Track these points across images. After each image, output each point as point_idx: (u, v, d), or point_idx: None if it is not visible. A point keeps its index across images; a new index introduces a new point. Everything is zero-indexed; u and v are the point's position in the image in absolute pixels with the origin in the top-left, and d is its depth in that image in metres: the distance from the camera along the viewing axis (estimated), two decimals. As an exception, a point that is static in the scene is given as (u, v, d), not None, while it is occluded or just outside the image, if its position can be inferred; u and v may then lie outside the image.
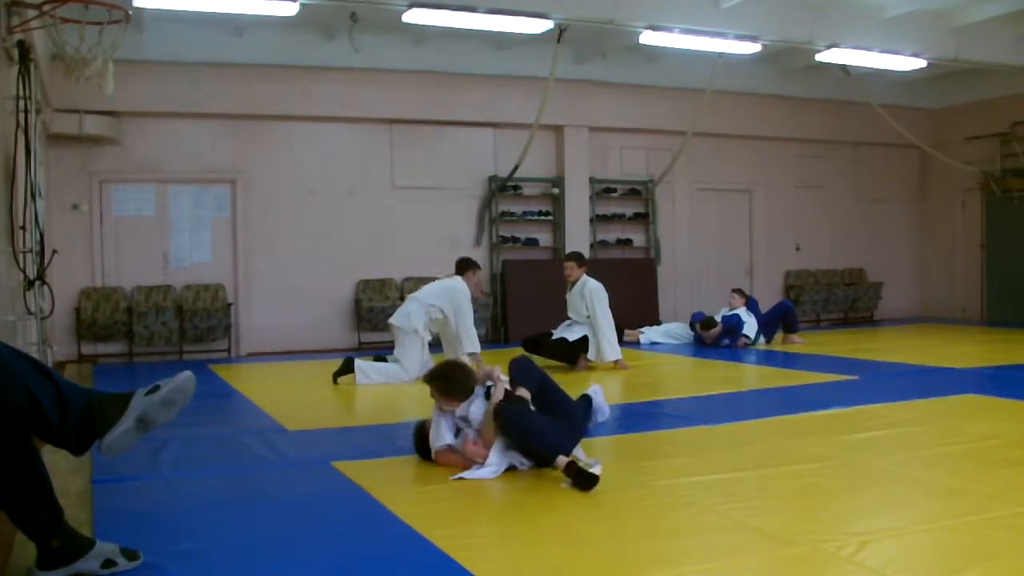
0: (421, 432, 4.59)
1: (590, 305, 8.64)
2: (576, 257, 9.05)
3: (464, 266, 8.40)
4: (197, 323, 10.34)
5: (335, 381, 7.77)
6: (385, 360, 8.07)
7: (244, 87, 10.64)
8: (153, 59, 10.09)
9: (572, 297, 8.86)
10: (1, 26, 5.85)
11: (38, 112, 7.21)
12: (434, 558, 3.11)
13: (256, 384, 8.09)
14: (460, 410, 4.42)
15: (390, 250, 11.48)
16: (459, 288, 8.15)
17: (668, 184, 12.96)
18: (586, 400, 4.95)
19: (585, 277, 8.83)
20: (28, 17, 6.14)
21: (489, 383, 4.48)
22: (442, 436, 4.42)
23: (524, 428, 4.20)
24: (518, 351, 8.78)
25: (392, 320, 8.10)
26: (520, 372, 4.50)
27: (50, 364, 6.88)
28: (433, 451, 4.43)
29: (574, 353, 8.67)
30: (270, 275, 11.01)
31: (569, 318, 8.88)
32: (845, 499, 3.82)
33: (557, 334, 8.83)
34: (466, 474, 4.21)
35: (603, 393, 5.05)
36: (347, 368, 7.82)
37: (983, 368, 8.21)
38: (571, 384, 5.42)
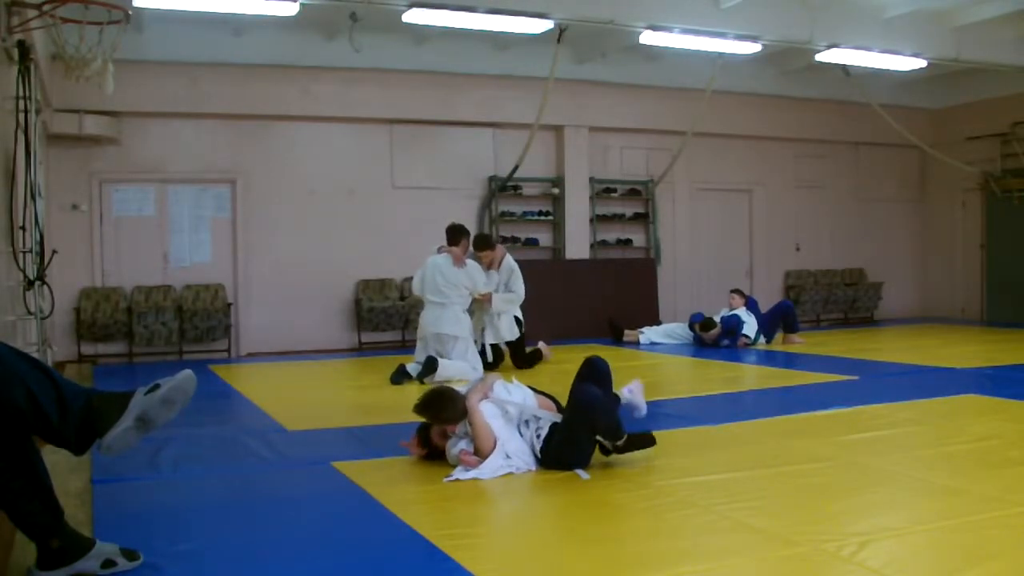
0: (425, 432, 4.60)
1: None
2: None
3: (458, 234, 8.38)
4: (197, 323, 10.34)
5: (422, 381, 7.62)
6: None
7: (244, 87, 10.64)
8: (153, 59, 10.09)
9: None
10: (1, 26, 5.85)
11: (38, 112, 7.20)
12: (434, 558, 3.10)
13: (256, 384, 8.09)
14: (459, 429, 4.43)
15: (390, 250, 11.46)
16: (469, 272, 8.20)
17: (668, 184, 12.96)
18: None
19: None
20: (28, 17, 6.13)
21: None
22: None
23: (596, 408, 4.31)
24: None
25: (446, 331, 7.97)
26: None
27: (50, 364, 6.87)
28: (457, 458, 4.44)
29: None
30: (270, 275, 11.00)
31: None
32: (845, 499, 3.81)
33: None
34: (460, 475, 4.20)
35: (641, 391, 5.05)
36: (430, 368, 7.75)
37: (983, 368, 8.21)
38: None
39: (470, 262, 8.35)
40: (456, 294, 8.10)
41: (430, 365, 7.76)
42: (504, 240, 12.03)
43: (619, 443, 4.34)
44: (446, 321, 8.01)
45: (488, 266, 8.68)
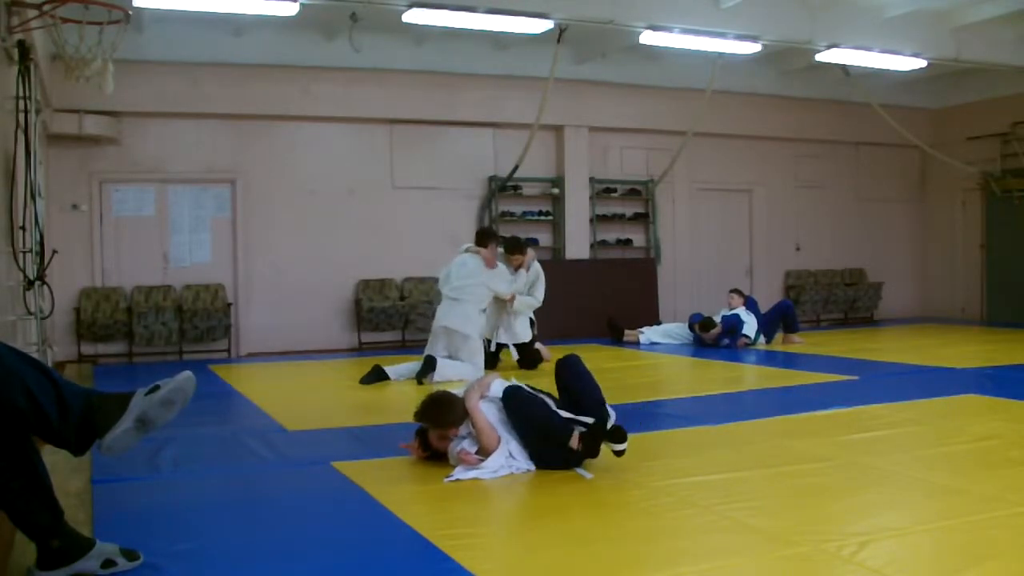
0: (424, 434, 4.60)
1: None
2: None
3: (487, 237, 8.42)
4: (197, 323, 10.34)
5: (420, 382, 7.62)
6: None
7: (244, 87, 10.64)
8: (153, 59, 10.09)
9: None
10: (1, 26, 5.85)
11: (38, 112, 7.20)
12: (434, 558, 3.10)
13: (256, 384, 8.09)
14: (462, 431, 4.43)
15: (390, 250, 11.47)
16: (494, 273, 8.28)
17: (668, 184, 12.96)
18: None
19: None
20: (28, 17, 6.14)
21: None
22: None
23: (530, 413, 4.27)
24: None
25: (454, 326, 7.95)
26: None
27: (50, 364, 6.87)
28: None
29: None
30: (270, 275, 11.00)
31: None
32: (845, 499, 3.81)
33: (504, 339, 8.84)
34: (460, 475, 4.20)
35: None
36: (429, 367, 7.75)
37: (983, 368, 8.21)
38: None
39: (500, 265, 8.45)
40: (469, 293, 8.10)
41: (429, 364, 7.77)
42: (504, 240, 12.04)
43: (569, 444, 4.20)
44: (455, 316, 8.01)
45: (516, 268, 8.74)
